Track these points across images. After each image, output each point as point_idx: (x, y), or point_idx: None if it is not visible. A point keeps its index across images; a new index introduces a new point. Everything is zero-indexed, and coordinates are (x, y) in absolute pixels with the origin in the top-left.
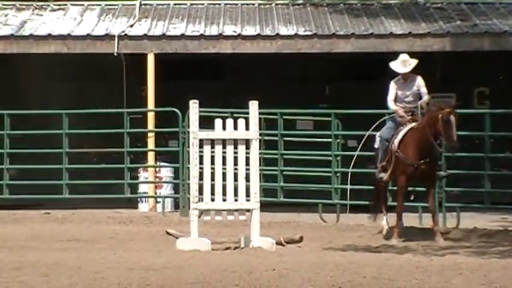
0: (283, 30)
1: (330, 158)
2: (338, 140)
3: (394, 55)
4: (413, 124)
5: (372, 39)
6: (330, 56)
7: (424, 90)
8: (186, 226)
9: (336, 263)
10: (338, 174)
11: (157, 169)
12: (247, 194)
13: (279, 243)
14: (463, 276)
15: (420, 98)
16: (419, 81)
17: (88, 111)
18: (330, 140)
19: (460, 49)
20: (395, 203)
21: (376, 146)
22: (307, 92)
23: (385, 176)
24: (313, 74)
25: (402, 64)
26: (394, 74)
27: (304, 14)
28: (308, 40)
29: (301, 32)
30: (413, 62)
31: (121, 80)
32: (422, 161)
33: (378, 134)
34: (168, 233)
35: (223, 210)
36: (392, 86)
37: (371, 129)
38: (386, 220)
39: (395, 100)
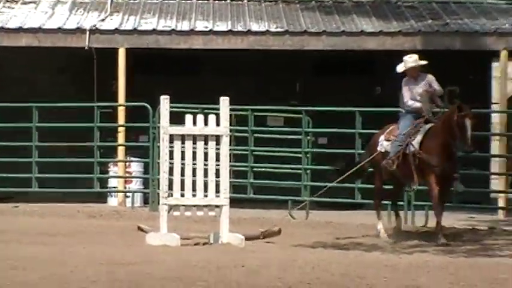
0: (255, 27)
1: (300, 155)
2: (308, 137)
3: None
4: (430, 124)
5: (343, 37)
6: (301, 52)
7: (435, 85)
8: (155, 221)
9: (305, 260)
10: (308, 171)
11: (127, 164)
12: (217, 190)
13: (256, 237)
14: (430, 274)
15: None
16: (429, 78)
17: (58, 104)
18: (300, 137)
19: (431, 48)
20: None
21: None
22: (278, 89)
23: (393, 166)
24: (284, 71)
25: (403, 63)
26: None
27: (275, 11)
28: (279, 37)
29: (272, 29)
30: (413, 61)
31: (92, 74)
32: (446, 162)
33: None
34: (139, 228)
35: (193, 205)
36: (405, 87)
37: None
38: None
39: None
